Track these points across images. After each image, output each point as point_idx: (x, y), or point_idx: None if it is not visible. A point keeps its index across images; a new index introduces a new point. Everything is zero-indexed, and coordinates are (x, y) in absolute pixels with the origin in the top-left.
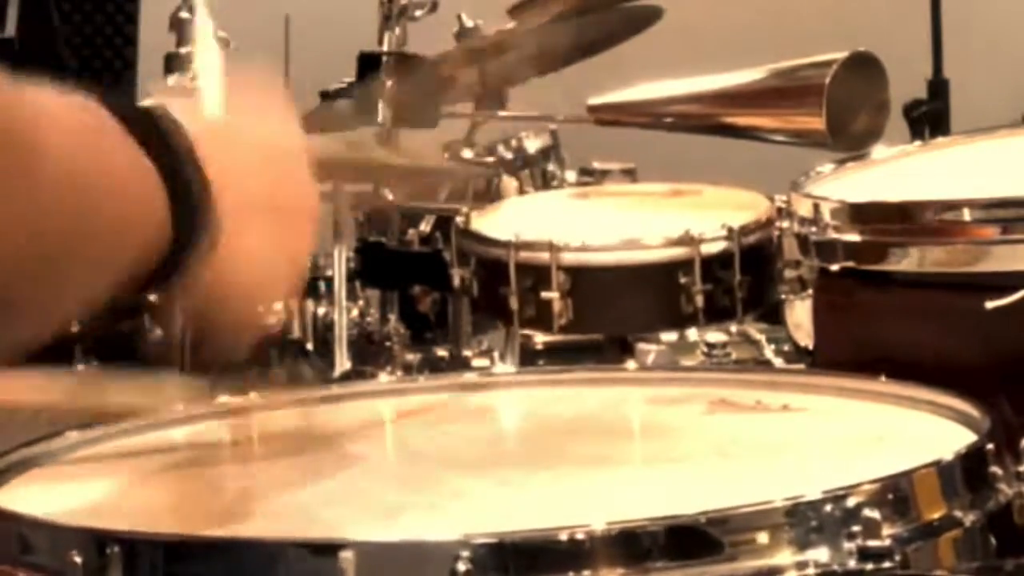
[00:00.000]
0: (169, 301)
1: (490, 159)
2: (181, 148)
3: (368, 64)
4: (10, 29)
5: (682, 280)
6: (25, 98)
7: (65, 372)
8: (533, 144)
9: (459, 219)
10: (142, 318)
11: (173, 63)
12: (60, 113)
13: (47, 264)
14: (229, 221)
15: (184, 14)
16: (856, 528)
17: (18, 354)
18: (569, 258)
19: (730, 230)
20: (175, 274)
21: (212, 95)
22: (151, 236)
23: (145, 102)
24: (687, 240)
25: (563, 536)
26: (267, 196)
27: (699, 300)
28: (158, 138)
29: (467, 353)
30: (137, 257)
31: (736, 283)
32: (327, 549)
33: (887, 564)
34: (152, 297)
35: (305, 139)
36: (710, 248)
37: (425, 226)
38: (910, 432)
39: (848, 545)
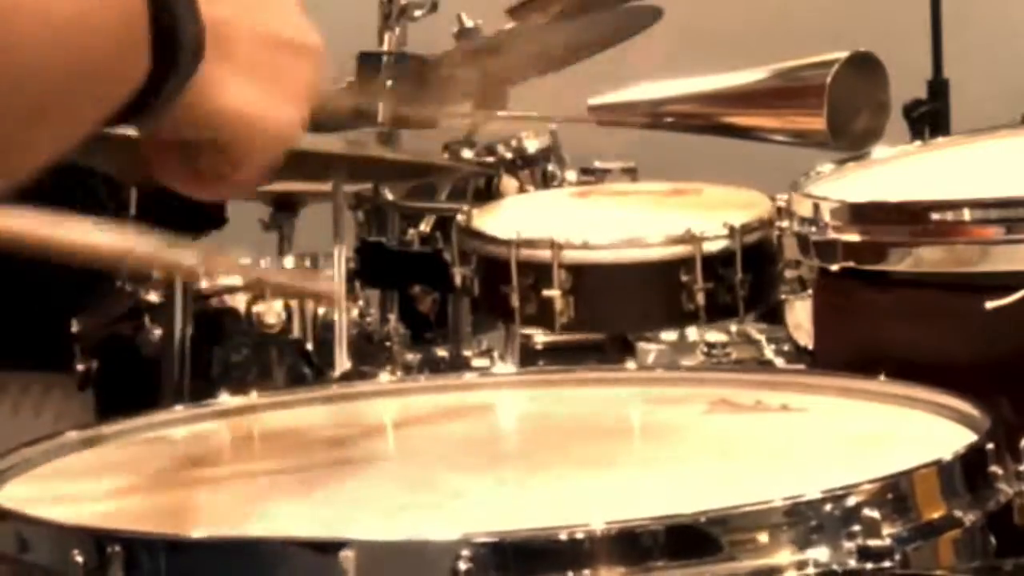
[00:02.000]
0: (151, 134)
1: (490, 159)
2: None
3: (368, 64)
4: None
5: (683, 278)
6: None
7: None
8: (533, 144)
9: (460, 217)
10: (142, 319)
11: None
12: None
13: (21, 103)
14: (220, 59)
15: None
16: (856, 528)
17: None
18: (571, 256)
19: (731, 228)
20: (158, 106)
21: None
22: (134, 68)
23: None
24: (688, 238)
25: (563, 535)
26: (265, 37)
27: (700, 298)
28: None
29: (467, 353)
30: (119, 90)
31: (737, 281)
32: (328, 548)
33: (887, 563)
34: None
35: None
36: (711, 246)
37: (425, 226)
38: (910, 432)
39: (848, 545)
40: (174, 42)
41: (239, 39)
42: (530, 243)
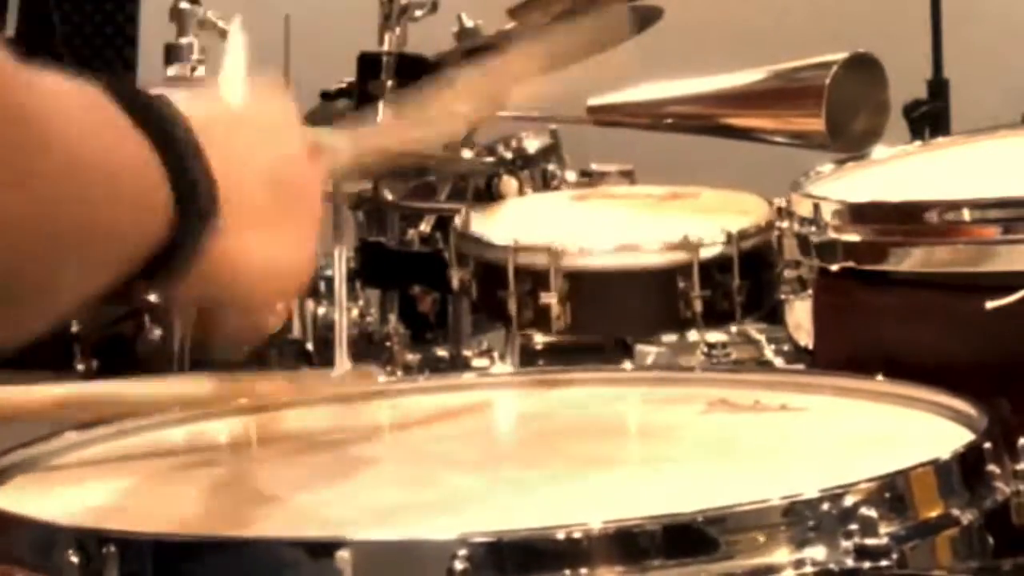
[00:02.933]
0: (170, 296)
1: (490, 159)
2: (185, 141)
3: (368, 64)
4: (10, 29)
5: (680, 285)
6: (34, 81)
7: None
8: (533, 144)
9: (458, 220)
10: (142, 319)
11: (173, 53)
12: (66, 98)
13: (47, 254)
14: (232, 215)
15: (184, 4)
16: (853, 527)
17: (14, 346)
18: (568, 262)
19: (729, 235)
20: (176, 269)
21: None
22: (153, 230)
23: (148, 90)
24: (686, 245)
25: (560, 535)
26: (270, 185)
27: (697, 305)
28: (161, 129)
29: (467, 353)
30: (137, 251)
31: (734, 287)
32: (325, 548)
33: (884, 563)
34: (152, 297)
35: (305, 130)
36: (708, 253)
37: (425, 226)
38: (908, 431)
39: (845, 544)
40: (192, 204)
41: (245, 186)
42: (527, 249)
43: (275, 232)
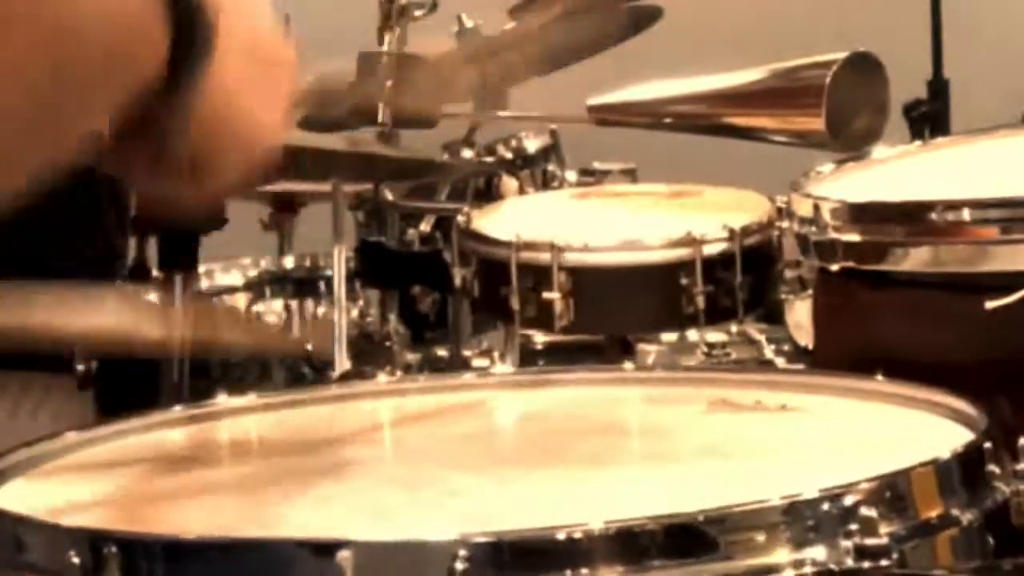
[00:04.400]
0: (166, 124)
1: (490, 159)
2: None
3: (368, 64)
4: None
5: (683, 281)
6: None
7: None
8: (533, 144)
9: (460, 219)
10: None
11: None
12: None
13: (41, 89)
14: (221, 55)
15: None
16: (853, 526)
17: (20, 192)
18: (571, 258)
19: (731, 231)
20: (173, 98)
21: None
22: (149, 57)
23: None
24: (688, 241)
25: (561, 535)
26: (250, 33)
27: (700, 301)
28: None
29: (467, 353)
30: (134, 80)
31: (737, 284)
32: (326, 548)
33: (884, 562)
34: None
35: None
36: (711, 249)
37: (425, 226)
38: (909, 431)
39: (845, 543)
40: (192, 25)
41: (233, 30)
42: (530, 245)
43: (250, 90)
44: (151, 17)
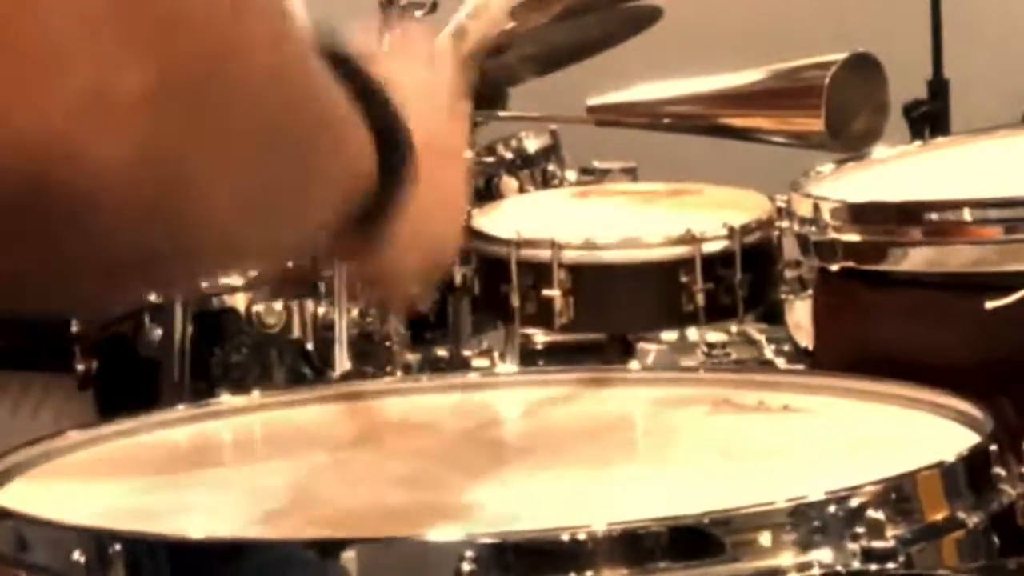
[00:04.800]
0: (369, 249)
1: (490, 159)
2: (376, 84)
3: None
4: None
5: (683, 279)
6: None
7: None
8: (533, 144)
9: None
10: (142, 318)
11: None
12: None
13: (267, 197)
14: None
15: None
16: (860, 529)
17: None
18: (571, 256)
19: (731, 229)
20: (379, 219)
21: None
22: (359, 173)
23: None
24: (688, 239)
25: (566, 536)
26: (430, 136)
27: (700, 299)
28: (350, 70)
29: (467, 353)
30: (348, 195)
31: (737, 282)
32: (330, 548)
33: (891, 565)
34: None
35: (452, 80)
36: (711, 247)
37: None
38: (912, 433)
39: (852, 546)
40: (393, 152)
41: (421, 145)
42: (530, 243)
43: (438, 183)
44: (356, 127)
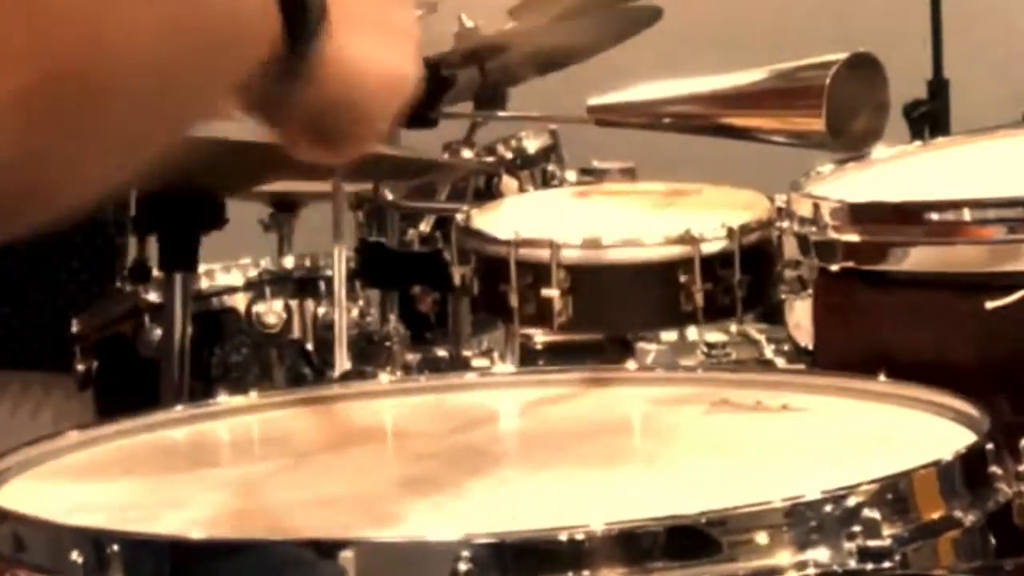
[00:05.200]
0: (287, 102)
1: (490, 159)
2: None
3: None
4: None
5: (682, 279)
6: None
7: None
8: (533, 144)
9: (460, 217)
10: (142, 318)
11: None
12: None
13: (170, 58)
14: (343, 12)
15: None
16: (856, 528)
17: (151, 165)
18: (569, 256)
19: (730, 229)
20: (292, 73)
21: None
22: (266, 31)
23: None
24: (687, 239)
25: (563, 536)
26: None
27: (699, 299)
28: None
29: (467, 353)
30: (253, 53)
31: (736, 282)
32: (328, 549)
33: (887, 564)
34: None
35: None
36: (710, 247)
37: (425, 226)
38: (910, 432)
39: (848, 545)
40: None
41: (357, 11)
42: (529, 243)
43: (379, 35)
44: None
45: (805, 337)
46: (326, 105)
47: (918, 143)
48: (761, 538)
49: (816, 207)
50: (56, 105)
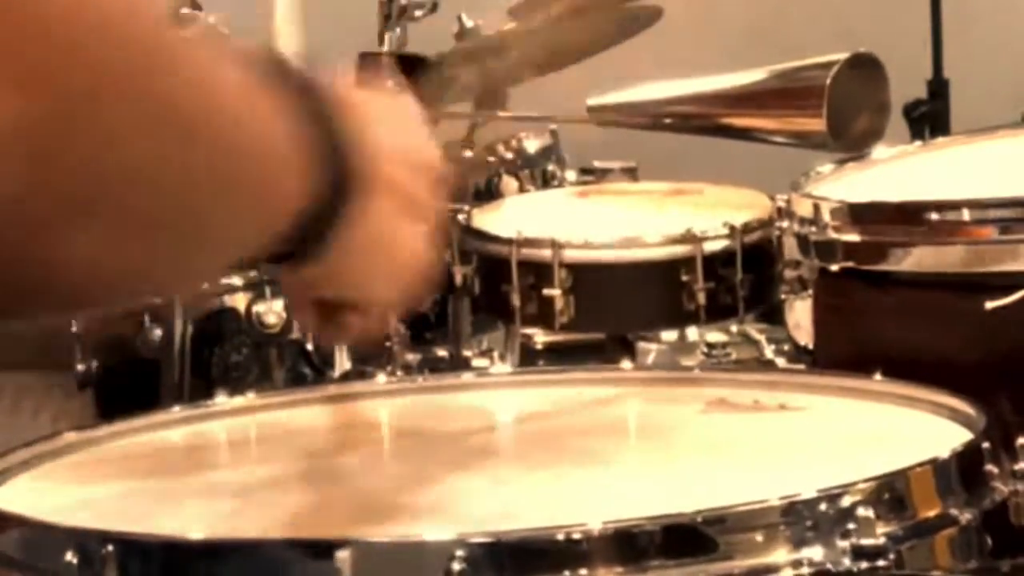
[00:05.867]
0: (305, 278)
1: (490, 159)
2: (328, 104)
3: (368, 64)
4: None
5: (684, 278)
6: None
7: None
8: (533, 144)
9: (461, 217)
10: (142, 318)
11: None
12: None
13: (195, 206)
14: (370, 189)
15: (186, 10)
16: (851, 527)
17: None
18: (571, 255)
19: (732, 228)
20: (319, 239)
21: None
22: (295, 194)
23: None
24: (689, 238)
25: (559, 535)
26: (402, 173)
27: (700, 298)
28: (304, 89)
29: (467, 353)
30: (281, 213)
31: (738, 281)
32: (323, 548)
33: (881, 563)
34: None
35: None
36: (712, 246)
37: None
38: (907, 431)
39: (842, 544)
40: (341, 171)
41: (383, 163)
42: (530, 242)
43: (404, 223)
44: (296, 148)
45: (805, 337)
46: (343, 275)
47: (918, 143)
48: (757, 537)
49: (816, 207)
50: (62, 134)
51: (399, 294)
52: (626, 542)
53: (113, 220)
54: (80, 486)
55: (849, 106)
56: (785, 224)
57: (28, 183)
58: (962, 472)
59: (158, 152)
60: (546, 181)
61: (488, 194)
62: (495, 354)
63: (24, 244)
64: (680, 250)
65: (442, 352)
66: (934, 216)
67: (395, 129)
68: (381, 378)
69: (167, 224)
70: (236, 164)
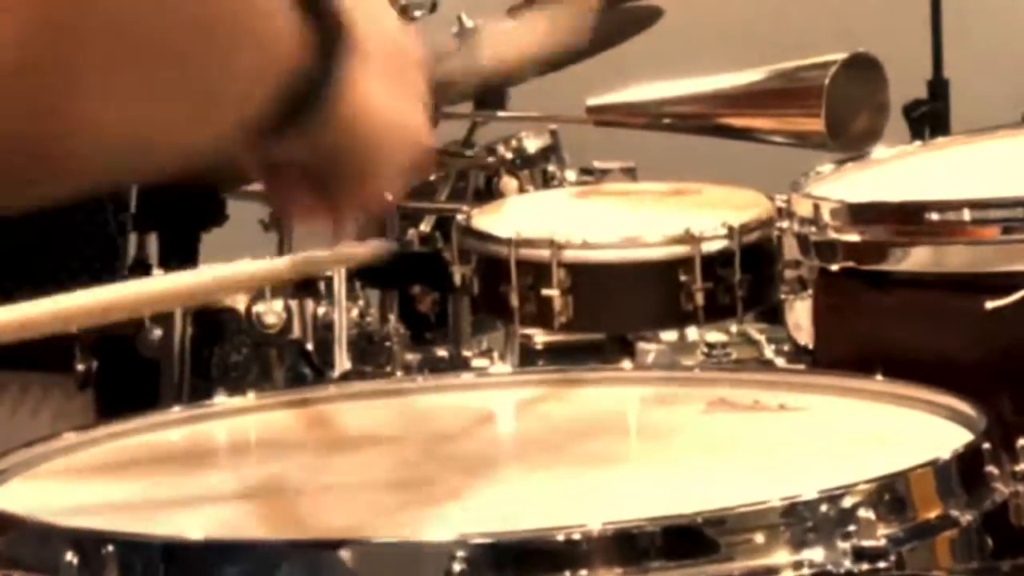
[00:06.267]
0: (297, 144)
1: (490, 159)
2: None
3: None
4: None
5: (682, 278)
6: None
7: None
8: (533, 144)
9: (460, 217)
10: (142, 318)
11: None
12: None
13: (193, 59)
14: (360, 59)
15: None
16: (851, 528)
17: (167, 172)
18: (570, 255)
19: (731, 228)
20: (310, 104)
21: None
22: (289, 53)
23: None
24: (688, 238)
25: (559, 536)
26: (392, 44)
27: (699, 298)
28: None
29: (467, 353)
30: (276, 71)
31: (736, 281)
32: (323, 548)
33: (882, 564)
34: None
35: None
36: (711, 246)
37: (425, 226)
38: (908, 432)
39: (843, 545)
40: (328, 31)
41: (369, 37)
42: (529, 242)
43: (393, 86)
44: (285, 15)
45: (805, 337)
46: (335, 147)
47: (918, 143)
48: (758, 538)
49: (816, 207)
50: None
51: (394, 166)
52: (626, 543)
53: (112, 77)
54: (80, 486)
55: (848, 106)
56: (785, 224)
57: (23, 44)
58: (963, 473)
59: (154, 2)
60: (546, 181)
61: (488, 194)
62: (495, 354)
63: (29, 108)
64: (679, 250)
65: (442, 352)
66: (934, 216)
67: (379, 14)
68: (380, 379)
69: (168, 80)
70: (231, 18)
